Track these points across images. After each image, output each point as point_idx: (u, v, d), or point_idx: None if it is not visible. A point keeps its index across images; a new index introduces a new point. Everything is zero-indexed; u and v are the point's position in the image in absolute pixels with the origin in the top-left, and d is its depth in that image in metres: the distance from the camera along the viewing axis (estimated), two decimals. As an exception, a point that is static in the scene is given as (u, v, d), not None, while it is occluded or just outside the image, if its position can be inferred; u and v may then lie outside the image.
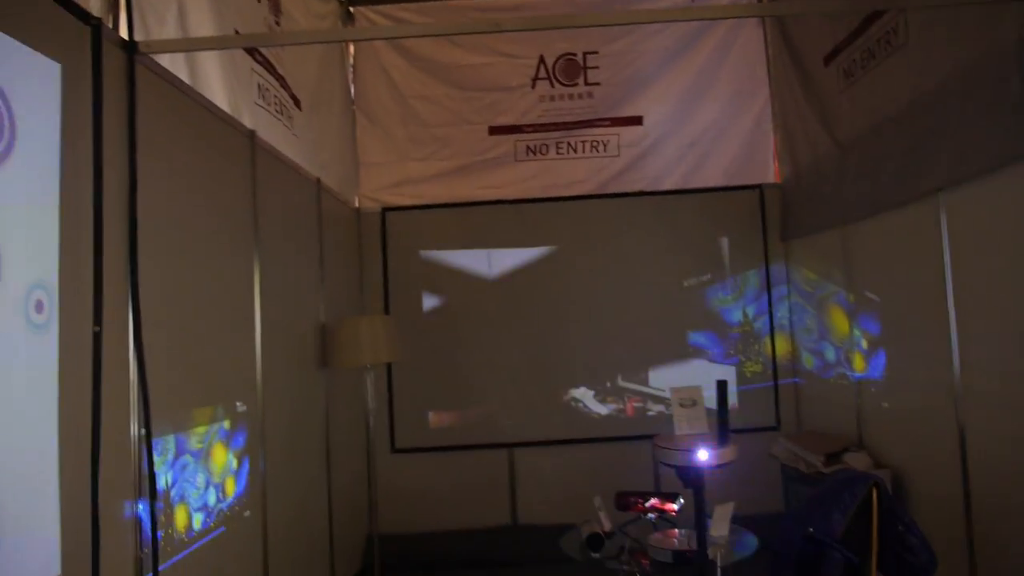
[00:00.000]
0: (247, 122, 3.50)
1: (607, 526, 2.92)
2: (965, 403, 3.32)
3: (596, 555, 2.65)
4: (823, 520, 2.82)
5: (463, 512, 5.33)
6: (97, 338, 2.15)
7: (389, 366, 5.41)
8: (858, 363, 4.35)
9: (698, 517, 2.00)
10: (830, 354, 4.74)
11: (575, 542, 2.85)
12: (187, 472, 2.71)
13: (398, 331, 5.34)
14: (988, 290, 3.16)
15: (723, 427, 2.05)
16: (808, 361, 5.12)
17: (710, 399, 2.28)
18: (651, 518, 2.95)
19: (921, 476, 3.74)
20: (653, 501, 2.85)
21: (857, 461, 4.00)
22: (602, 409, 5.41)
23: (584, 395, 5.40)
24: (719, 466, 2.00)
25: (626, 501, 2.97)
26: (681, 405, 2.14)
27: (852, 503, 2.83)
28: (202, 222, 2.96)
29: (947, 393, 3.42)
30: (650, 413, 5.37)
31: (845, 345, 4.51)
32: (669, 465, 2.04)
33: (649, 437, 5.59)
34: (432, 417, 5.46)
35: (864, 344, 4.26)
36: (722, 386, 2.02)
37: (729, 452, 2.00)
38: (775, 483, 5.04)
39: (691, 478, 2.00)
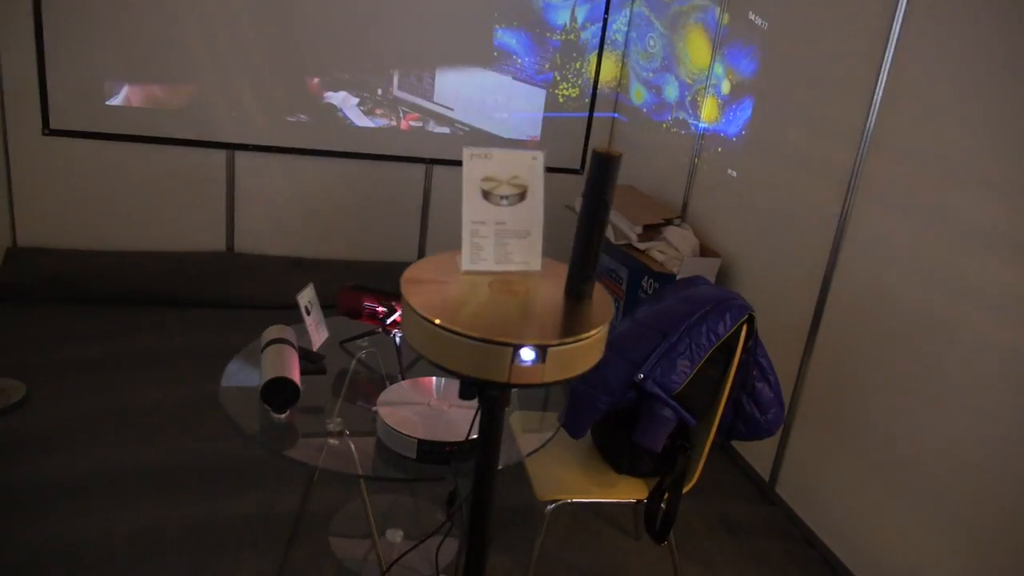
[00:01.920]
0: None
1: (318, 340, 1.71)
2: (862, 191, 2.38)
3: (280, 416, 1.45)
4: (665, 367, 1.82)
5: (157, 229, 3.86)
6: None
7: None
8: (709, 110, 3.26)
9: (488, 438, 0.79)
10: (672, 91, 3.61)
11: (248, 389, 1.57)
12: None
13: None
14: (948, 45, 2.06)
15: (584, 283, 0.78)
16: (638, 95, 3.97)
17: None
18: (395, 337, 1.77)
19: (761, 275, 2.91)
20: (399, 315, 1.65)
21: (681, 241, 3.08)
22: (368, 122, 3.96)
23: (346, 101, 3.87)
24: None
25: (354, 305, 1.73)
26: (490, 194, 0.82)
27: (710, 346, 1.84)
28: None
29: (837, 173, 2.46)
30: (432, 129, 4.04)
31: (697, 83, 3.37)
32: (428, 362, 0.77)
33: (420, 161, 4.42)
34: (111, 88, 3.67)
35: (725, 87, 3.15)
36: (603, 162, 0.71)
37: (592, 349, 0.76)
38: (565, 240, 4.12)
39: (482, 391, 0.75)
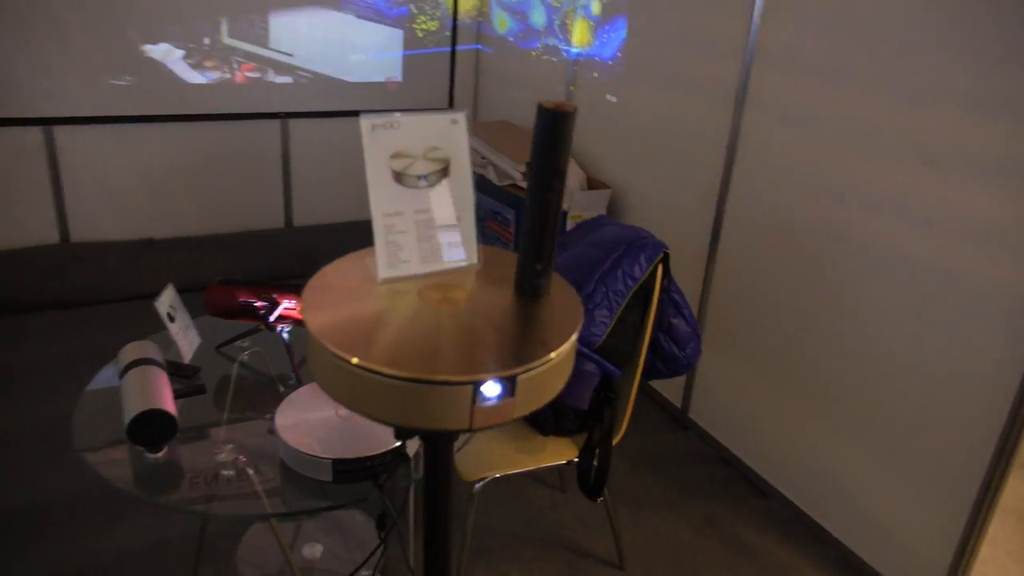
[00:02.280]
0: None
1: (188, 350, 1.45)
2: (751, 105, 2.31)
3: (157, 455, 1.20)
4: (584, 321, 1.69)
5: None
6: None
7: None
8: (580, 34, 3.10)
9: (436, 485, 0.62)
10: (538, 16, 3.41)
11: (112, 423, 1.30)
12: None
13: None
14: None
15: (541, 276, 0.60)
16: (502, 23, 3.74)
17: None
18: (283, 332, 1.53)
19: (653, 201, 2.82)
20: (286, 306, 1.41)
21: (570, 175, 2.94)
22: (199, 77, 3.52)
23: (169, 55, 3.41)
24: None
25: (227, 304, 1.46)
26: (404, 175, 0.62)
27: (627, 291, 1.73)
28: None
29: (723, 89, 2.38)
30: (272, 79, 3.65)
31: (564, 5, 3.19)
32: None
33: (273, 116, 4.01)
34: None
35: (595, 7, 2.99)
36: (553, 120, 0.52)
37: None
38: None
39: (437, 445, 0.57)
